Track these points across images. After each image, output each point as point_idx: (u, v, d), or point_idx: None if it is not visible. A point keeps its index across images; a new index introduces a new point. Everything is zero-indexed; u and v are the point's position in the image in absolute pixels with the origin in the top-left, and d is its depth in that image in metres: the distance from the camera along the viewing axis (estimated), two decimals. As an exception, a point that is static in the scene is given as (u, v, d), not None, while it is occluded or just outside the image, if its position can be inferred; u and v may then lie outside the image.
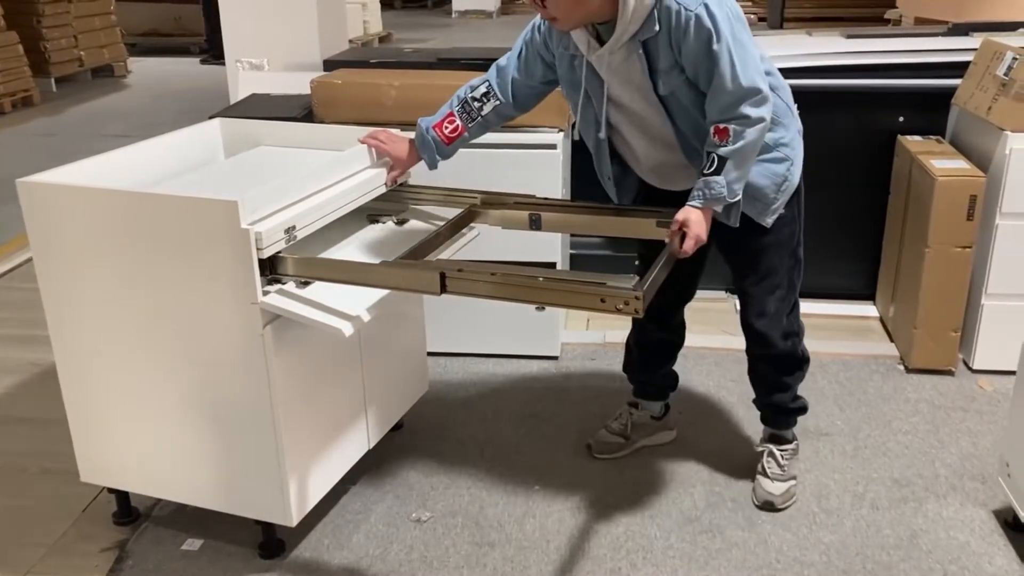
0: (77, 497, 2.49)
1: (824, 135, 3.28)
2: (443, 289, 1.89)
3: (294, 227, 1.97)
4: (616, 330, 3.38)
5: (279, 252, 1.94)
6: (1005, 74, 2.95)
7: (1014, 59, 2.94)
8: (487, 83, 2.31)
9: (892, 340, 3.34)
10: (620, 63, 2.07)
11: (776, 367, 2.45)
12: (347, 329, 1.95)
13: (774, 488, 2.45)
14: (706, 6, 1.93)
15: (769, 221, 2.21)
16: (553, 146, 2.96)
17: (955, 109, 3.30)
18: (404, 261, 2.01)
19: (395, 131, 2.39)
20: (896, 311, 3.30)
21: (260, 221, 1.92)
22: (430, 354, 2.81)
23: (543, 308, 2.29)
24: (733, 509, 2.44)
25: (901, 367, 3.17)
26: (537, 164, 2.93)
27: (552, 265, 3.09)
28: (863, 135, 3.38)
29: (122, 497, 2.39)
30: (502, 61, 2.32)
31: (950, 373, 3.11)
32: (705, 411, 2.91)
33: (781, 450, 2.50)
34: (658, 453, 2.68)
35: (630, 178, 2.34)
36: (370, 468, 2.55)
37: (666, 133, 2.15)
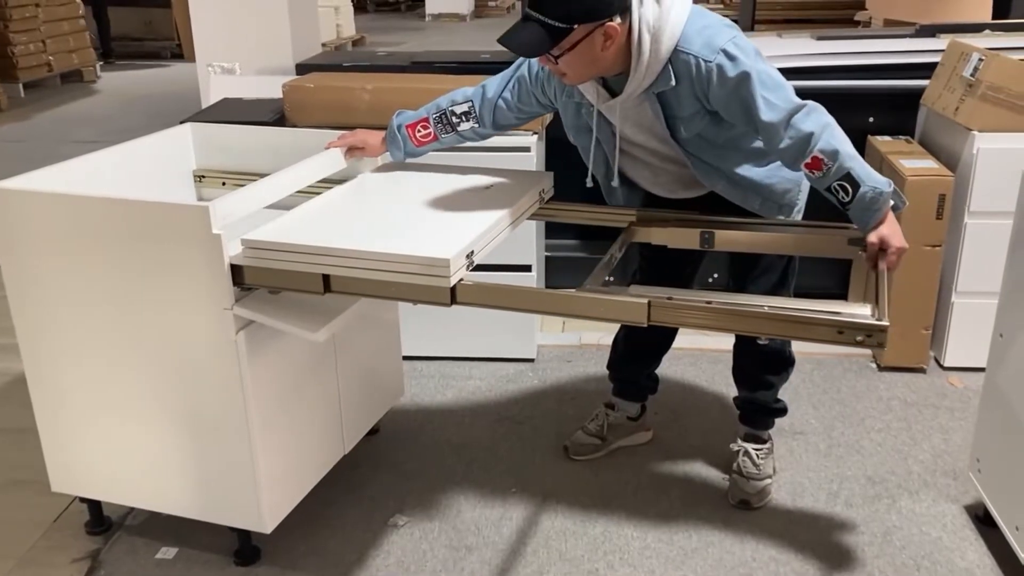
0: (48, 507, 2.45)
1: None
2: (649, 319, 1.78)
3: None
4: (591, 331, 3.39)
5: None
6: (971, 75, 2.99)
7: (980, 60, 2.98)
8: (470, 103, 2.29)
9: (864, 339, 3.36)
10: (633, 111, 2.07)
11: (763, 364, 2.47)
12: (321, 335, 1.94)
13: (749, 487, 2.46)
14: (724, 52, 1.92)
15: (797, 220, 2.24)
16: (527, 148, 2.97)
17: (924, 109, 3.34)
18: (606, 289, 1.89)
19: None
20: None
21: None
22: (406, 358, 2.80)
23: (767, 340, 2.26)
24: (709, 509, 2.45)
25: (873, 365, 3.20)
26: (512, 166, 2.93)
27: (527, 268, 3.10)
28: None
29: (94, 506, 2.36)
30: (489, 85, 2.29)
31: (922, 371, 3.14)
32: (680, 412, 2.93)
33: (756, 449, 2.52)
34: (634, 454, 2.69)
35: (636, 191, 2.34)
36: (346, 473, 2.54)
37: (679, 158, 2.14)
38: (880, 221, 1.93)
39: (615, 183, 2.23)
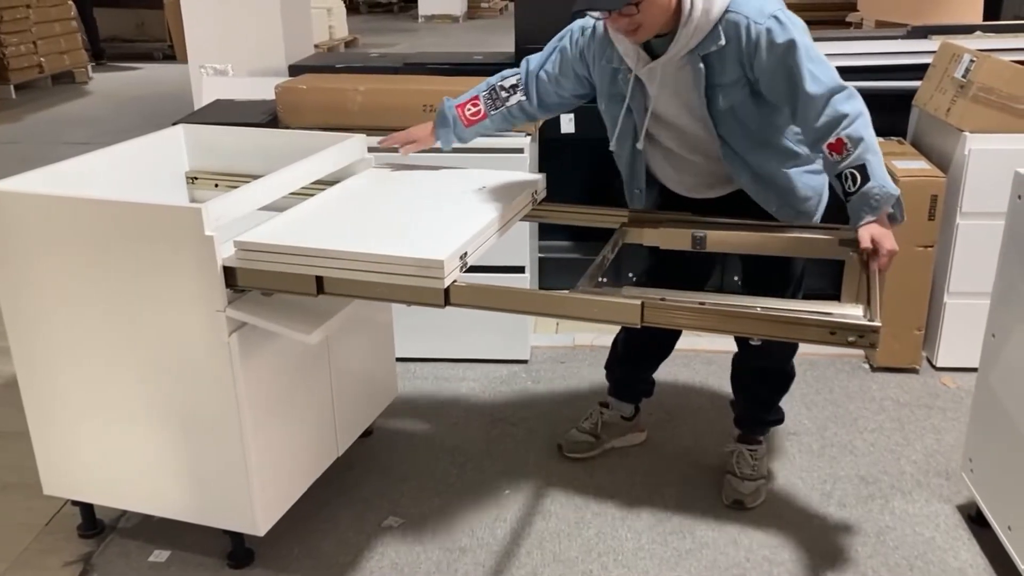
0: (40, 511, 2.44)
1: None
2: (643, 320, 1.78)
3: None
4: (585, 333, 3.39)
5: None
6: (963, 76, 3.00)
7: (971, 61, 2.99)
8: (518, 76, 2.31)
9: (857, 339, 3.37)
10: (672, 76, 2.07)
11: (763, 381, 2.48)
12: (314, 337, 1.94)
13: (744, 487, 2.46)
14: (775, 18, 1.94)
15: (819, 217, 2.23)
16: (520, 150, 2.97)
17: (916, 110, 3.35)
18: (599, 290, 1.89)
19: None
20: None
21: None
22: (399, 360, 2.80)
23: (759, 341, 2.24)
24: (703, 509, 2.45)
25: (866, 366, 3.20)
26: (504, 168, 2.93)
27: (521, 269, 3.10)
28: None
29: (86, 509, 2.35)
30: (533, 59, 2.32)
31: (914, 371, 3.15)
32: (674, 413, 2.93)
33: (751, 450, 2.52)
34: (628, 455, 2.69)
35: (653, 188, 2.33)
36: (340, 475, 2.54)
37: (709, 146, 2.14)
38: (874, 220, 1.94)
39: (640, 145, 2.20)
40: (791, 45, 1.94)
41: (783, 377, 2.48)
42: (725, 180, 2.22)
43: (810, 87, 1.94)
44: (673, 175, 2.27)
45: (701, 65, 2.02)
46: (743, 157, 2.13)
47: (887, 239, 1.93)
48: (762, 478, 2.50)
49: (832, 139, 1.94)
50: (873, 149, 1.94)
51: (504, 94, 2.30)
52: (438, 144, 2.39)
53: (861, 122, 1.94)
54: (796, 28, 1.96)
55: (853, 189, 1.94)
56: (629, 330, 2.60)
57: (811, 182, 2.19)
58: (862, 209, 1.94)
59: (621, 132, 2.22)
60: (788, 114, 2.06)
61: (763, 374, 2.47)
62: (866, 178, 1.92)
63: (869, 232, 1.94)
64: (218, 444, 2.05)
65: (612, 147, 2.29)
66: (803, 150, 2.15)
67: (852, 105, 1.94)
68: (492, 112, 2.32)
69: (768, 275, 2.31)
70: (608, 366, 2.73)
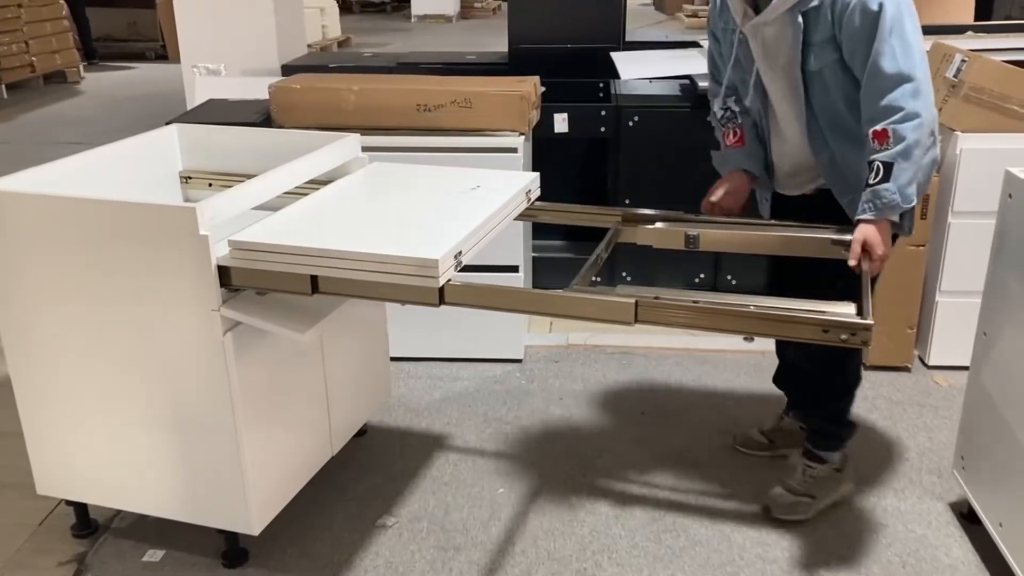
0: (33, 510, 2.44)
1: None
2: (636, 319, 1.78)
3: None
4: (578, 332, 3.40)
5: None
6: (954, 76, 3.01)
7: (963, 61, 3.00)
8: (719, 90, 2.28)
9: (850, 338, 3.38)
10: (772, 36, 2.05)
11: (814, 384, 2.38)
12: (308, 336, 1.94)
13: (778, 496, 2.38)
14: None
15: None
16: (514, 149, 2.97)
17: (907, 110, 3.36)
18: (593, 289, 1.89)
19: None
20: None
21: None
22: (393, 359, 2.80)
23: (752, 339, 2.19)
24: (696, 507, 2.46)
25: (859, 364, 3.22)
26: (498, 167, 2.94)
27: (515, 269, 3.11)
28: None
29: (80, 509, 2.35)
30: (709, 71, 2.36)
31: (906, 369, 3.17)
32: (667, 411, 2.93)
33: (807, 466, 2.40)
34: (621, 454, 2.70)
35: (767, 191, 2.31)
36: (334, 475, 2.54)
37: (798, 126, 2.12)
38: (873, 222, 1.93)
39: (748, 102, 2.19)
40: (881, 12, 1.89)
41: (829, 385, 2.34)
42: (811, 168, 2.18)
43: (884, 62, 1.89)
44: (776, 159, 2.25)
45: (800, 20, 1.99)
46: (825, 134, 2.09)
47: (879, 246, 1.92)
48: (807, 496, 2.36)
49: (879, 127, 1.91)
50: (911, 155, 1.90)
51: (726, 101, 2.26)
52: (745, 171, 2.30)
53: (914, 124, 1.89)
54: (894, 1, 1.90)
55: (872, 182, 1.92)
56: (782, 343, 2.55)
57: None
58: (867, 204, 1.93)
59: (752, 98, 2.20)
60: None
61: (808, 376, 2.37)
62: (887, 178, 1.90)
63: (863, 233, 1.93)
64: (212, 443, 2.05)
65: (716, 108, 2.29)
66: None
67: (915, 103, 1.89)
68: (736, 126, 2.26)
69: (818, 276, 2.16)
70: (774, 379, 2.66)
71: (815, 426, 2.45)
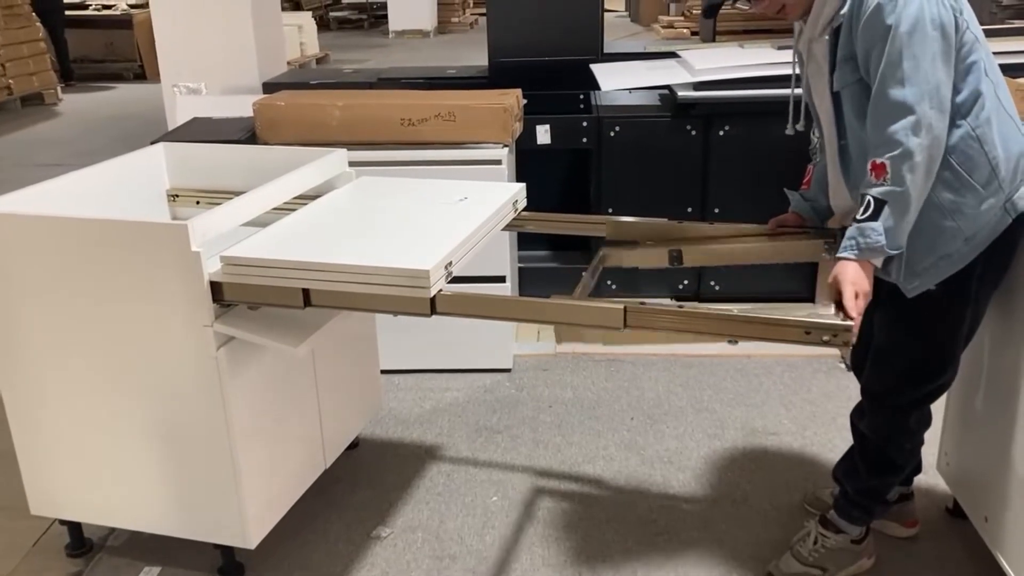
0: (27, 531, 2.44)
1: (761, 142, 3.39)
2: (625, 324, 1.81)
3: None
4: (566, 340, 3.43)
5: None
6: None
7: None
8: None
9: (832, 340, 3.43)
10: (815, 56, 1.96)
11: (859, 444, 2.19)
12: (301, 349, 1.96)
13: (783, 564, 2.23)
14: None
15: (909, 288, 1.89)
16: (498, 161, 3.00)
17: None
18: (583, 296, 1.94)
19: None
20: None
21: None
22: (383, 372, 2.82)
23: (736, 342, 2.16)
24: (688, 510, 2.49)
25: (843, 365, 3.26)
26: (482, 179, 2.97)
27: (502, 279, 3.13)
28: (798, 141, 3.47)
29: (74, 528, 2.35)
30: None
31: (889, 369, 3.21)
32: (656, 416, 2.97)
33: (821, 535, 2.21)
34: (612, 459, 2.73)
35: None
36: (328, 488, 2.55)
37: (837, 160, 1.98)
38: (853, 261, 1.78)
39: (799, 125, 2.11)
40: (894, 29, 1.70)
41: (875, 451, 2.13)
42: (849, 201, 2.00)
43: (888, 88, 1.72)
44: (832, 199, 2.10)
45: (827, 37, 1.87)
46: (853, 163, 1.92)
47: (850, 283, 1.75)
48: (817, 569, 2.18)
49: (878, 159, 1.74)
50: (904, 201, 1.73)
51: (814, 141, 2.18)
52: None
53: (908, 165, 1.71)
54: (914, 17, 1.69)
55: (860, 217, 1.77)
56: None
57: (926, 224, 1.84)
58: (850, 241, 1.78)
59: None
60: None
61: (858, 431, 2.18)
62: (875, 217, 1.75)
63: (835, 272, 1.79)
64: (207, 458, 2.06)
65: (789, 129, 2.17)
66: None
67: (914, 140, 1.71)
68: (815, 163, 2.20)
69: (874, 326, 2.04)
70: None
71: (848, 496, 2.20)
